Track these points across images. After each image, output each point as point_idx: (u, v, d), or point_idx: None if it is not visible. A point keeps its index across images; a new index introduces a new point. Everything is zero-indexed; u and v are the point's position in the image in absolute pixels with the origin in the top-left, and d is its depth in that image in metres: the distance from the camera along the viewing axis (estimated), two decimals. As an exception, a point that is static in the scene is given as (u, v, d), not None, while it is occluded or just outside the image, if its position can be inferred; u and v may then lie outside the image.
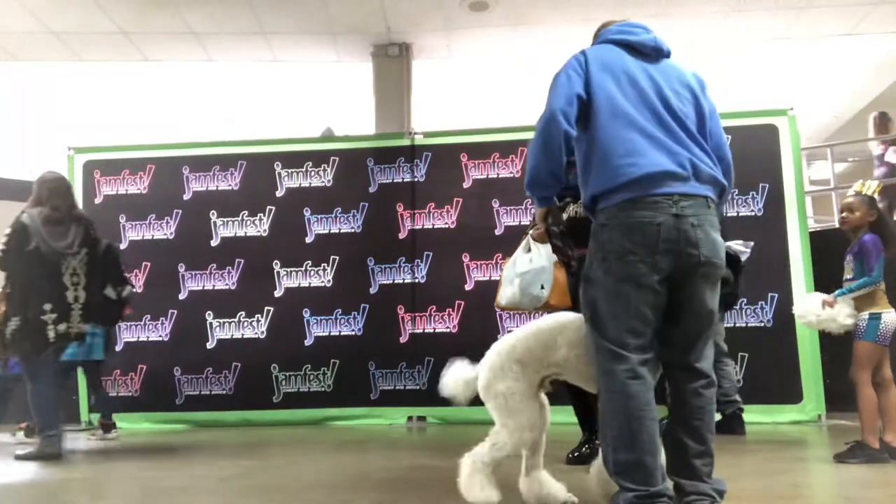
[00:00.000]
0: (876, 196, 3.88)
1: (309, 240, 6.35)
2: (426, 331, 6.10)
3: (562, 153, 2.21)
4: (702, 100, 2.33)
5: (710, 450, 2.15)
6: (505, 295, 3.62)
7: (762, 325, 5.62)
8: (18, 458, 4.38)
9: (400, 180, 6.36)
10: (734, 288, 2.41)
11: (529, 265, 3.55)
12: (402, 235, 6.28)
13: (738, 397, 4.91)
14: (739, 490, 2.27)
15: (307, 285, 6.29)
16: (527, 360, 2.42)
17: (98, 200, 6.65)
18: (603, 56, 2.30)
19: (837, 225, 4.20)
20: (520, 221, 6.13)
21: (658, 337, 2.20)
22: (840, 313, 3.74)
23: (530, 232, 3.63)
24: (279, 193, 6.46)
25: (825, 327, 3.84)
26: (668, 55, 2.39)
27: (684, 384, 2.19)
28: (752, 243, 2.68)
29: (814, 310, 3.85)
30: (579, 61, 2.29)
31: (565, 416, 3.68)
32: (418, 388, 6.01)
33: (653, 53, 2.36)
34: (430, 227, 6.25)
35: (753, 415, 5.48)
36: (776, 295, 5.63)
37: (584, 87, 2.23)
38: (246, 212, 6.43)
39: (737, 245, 2.38)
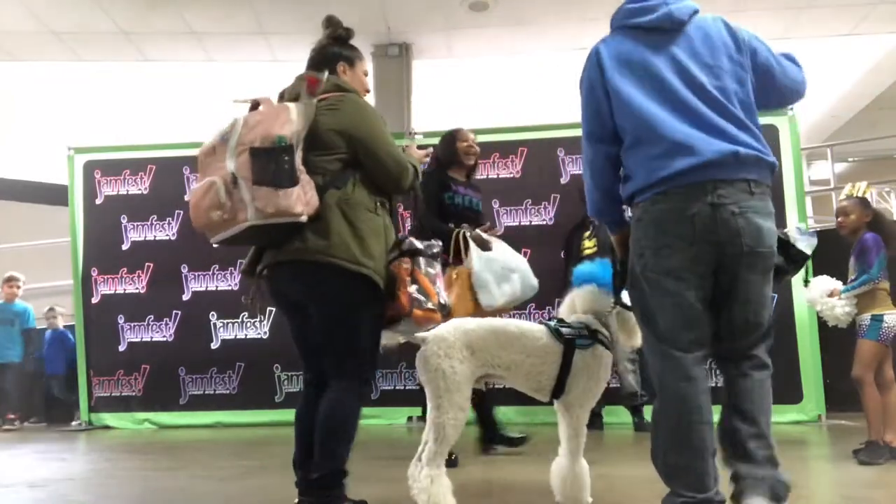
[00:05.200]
0: (867, 196, 3.93)
1: (309, 240, 6.35)
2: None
3: (608, 173, 2.18)
4: (737, 55, 2.15)
5: (763, 433, 2.03)
6: (504, 293, 3.60)
7: (762, 325, 5.61)
8: None
9: (400, 180, 6.35)
10: (787, 271, 2.28)
11: (517, 259, 3.57)
12: (402, 235, 6.27)
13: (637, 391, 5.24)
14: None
15: (308, 285, 6.29)
16: (478, 349, 2.46)
17: (99, 201, 6.65)
18: (618, 51, 2.16)
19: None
20: (519, 222, 6.13)
21: (714, 329, 2.11)
22: (839, 305, 3.77)
23: (478, 231, 3.70)
24: (280, 193, 6.45)
25: (824, 315, 3.89)
26: (692, 18, 2.17)
27: (734, 369, 2.10)
28: (812, 231, 2.54)
29: (819, 296, 3.89)
30: (592, 62, 2.19)
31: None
32: (418, 388, 6.00)
33: (672, 27, 2.15)
34: (431, 227, 6.24)
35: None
36: (776, 295, 5.63)
37: (603, 91, 2.14)
38: (246, 212, 6.42)
39: (794, 232, 2.27)
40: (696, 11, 2.20)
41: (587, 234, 5.33)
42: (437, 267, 2.56)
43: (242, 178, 2.21)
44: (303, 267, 2.35)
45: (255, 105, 2.40)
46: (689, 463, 1.99)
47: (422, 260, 2.50)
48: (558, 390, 2.53)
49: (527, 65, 8.73)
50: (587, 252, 5.21)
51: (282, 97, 2.53)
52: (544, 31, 7.77)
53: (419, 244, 2.51)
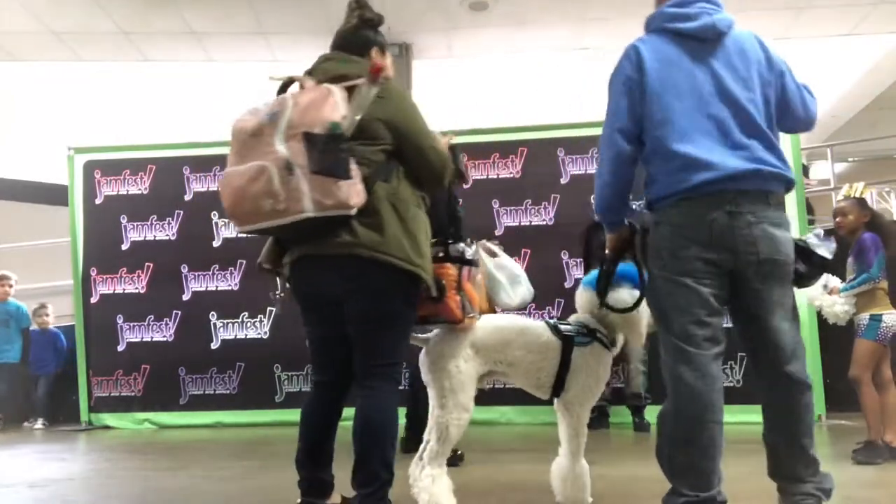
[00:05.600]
0: (865, 196, 3.95)
1: (309, 240, 6.35)
2: (427, 331, 6.11)
3: (626, 173, 2.20)
4: (767, 72, 2.20)
5: (810, 454, 2.09)
6: (518, 294, 3.61)
7: (762, 325, 5.61)
8: None
9: (400, 180, 6.35)
10: (810, 277, 2.34)
11: (518, 267, 3.62)
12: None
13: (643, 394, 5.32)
14: (740, 490, 2.28)
15: (308, 285, 6.29)
16: (482, 347, 2.47)
17: (99, 201, 6.65)
18: (658, 54, 2.18)
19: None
20: (519, 222, 6.13)
21: (746, 346, 2.20)
22: (839, 303, 3.79)
23: (484, 241, 3.73)
24: (280, 194, 6.45)
25: (824, 312, 3.90)
26: (730, 30, 2.21)
27: (777, 389, 2.14)
28: (831, 237, 2.61)
29: (819, 293, 3.91)
30: (631, 61, 2.19)
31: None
32: (418, 388, 6.02)
33: (712, 38, 2.18)
34: (431, 227, 6.24)
35: (754, 415, 5.46)
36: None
37: (639, 92, 2.16)
38: (247, 212, 6.42)
39: (812, 239, 2.33)
40: (732, 24, 2.23)
41: None
42: (479, 277, 2.54)
43: (298, 165, 2.05)
44: (349, 262, 2.17)
45: (287, 83, 2.25)
46: (695, 461, 2.01)
47: (470, 269, 2.45)
48: (558, 388, 2.54)
49: (527, 65, 8.73)
50: None
51: (309, 74, 2.35)
52: (544, 31, 7.77)
53: (470, 253, 2.45)
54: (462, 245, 2.48)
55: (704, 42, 2.18)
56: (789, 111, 2.23)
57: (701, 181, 2.06)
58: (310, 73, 2.34)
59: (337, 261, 2.19)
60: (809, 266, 2.28)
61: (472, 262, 2.46)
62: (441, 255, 2.43)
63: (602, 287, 2.47)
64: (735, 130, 2.11)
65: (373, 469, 2.16)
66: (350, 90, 2.16)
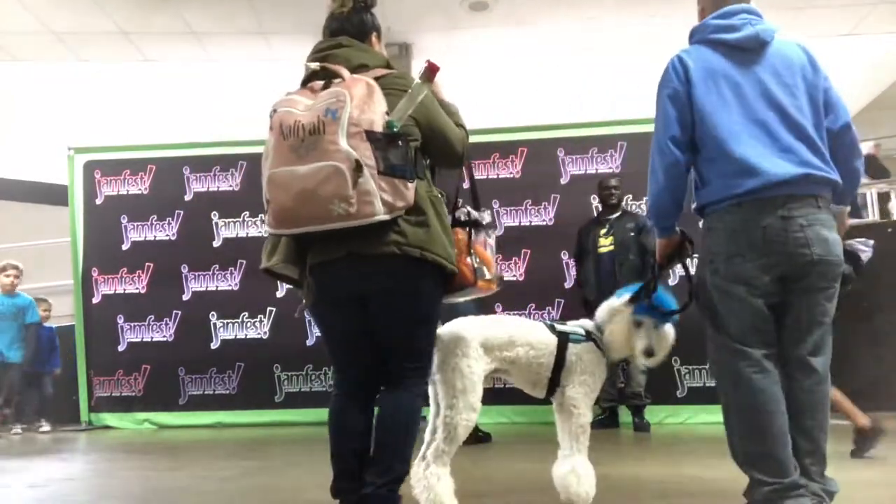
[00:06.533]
0: None
1: (309, 240, 6.35)
2: (426, 331, 6.10)
3: (681, 180, 2.25)
4: (814, 80, 2.28)
5: (820, 449, 2.17)
6: None
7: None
8: None
9: (400, 180, 6.34)
10: (853, 279, 2.43)
11: None
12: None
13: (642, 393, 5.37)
14: (741, 491, 2.29)
15: (308, 285, 6.29)
16: (489, 346, 2.50)
17: (99, 201, 6.66)
18: (703, 64, 2.25)
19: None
20: (519, 222, 6.13)
21: (778, 333, 2.23)
22: None
23: None
24: (280, 193, 6.45)
25: None
26: (772, 39, 2.29)
27: (798, 380, 2.20)
28: (871, 242, 2.71)
29: None
30: (677, 73, 2.25)
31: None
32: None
33: (756, 47, 2.26)
34: (431, 227, 6.24)
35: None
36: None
37: (687, 101, 2.22)
38: (247, 212, 6.43)
39: (857, 244, 2.44)
40: (775, 34, 2.30)
41: (603, 231, 5.45)
42: (493, 237, 2.45)
43: (367, 166, 1.96)
44: (397, 261, 2.09)
45: (315, 72, 2.15)
46: (769, 450, 2.10)
47: (480, 231, 2.36)
48: (553, 386, 2.56)
49: (527, 65, 8.72)
50: (603, 250, 5.37)
51: (323, 60, 2.23)
52: (544, 31, 7.77)
53: (478, 215, 2.37)
54: (468, 209, 2.40)
55: (749, 52, 2.26)
56: (836, 112, 2.30)
57: (753, 186, 2.13)
58: (323, 59, 2.21)
59: (384, 260, 2.09)
60: (857, 268, 2.41)
61: (479, 224, 2.36)
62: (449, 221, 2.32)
63: (649, 289, 2.48)
64: (782, 134, 2.17)
65: (389, 463, 2.13)
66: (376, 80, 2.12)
